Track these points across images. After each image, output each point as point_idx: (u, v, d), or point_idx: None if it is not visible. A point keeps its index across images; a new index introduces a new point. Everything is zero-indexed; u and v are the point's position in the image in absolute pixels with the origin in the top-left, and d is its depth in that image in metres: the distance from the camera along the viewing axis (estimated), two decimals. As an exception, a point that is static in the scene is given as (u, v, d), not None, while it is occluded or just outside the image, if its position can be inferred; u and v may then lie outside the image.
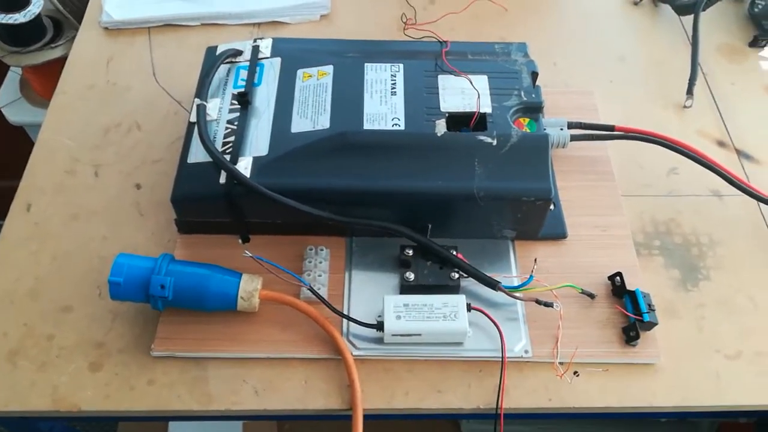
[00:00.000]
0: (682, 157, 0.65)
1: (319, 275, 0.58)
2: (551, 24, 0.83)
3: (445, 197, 0.55)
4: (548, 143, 0.56)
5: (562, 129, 0.64)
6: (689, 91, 0.73)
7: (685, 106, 0.73)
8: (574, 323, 0.57)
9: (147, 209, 0.64)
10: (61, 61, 0.85)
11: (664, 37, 0.82)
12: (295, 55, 0.63)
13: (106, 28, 0.79)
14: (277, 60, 0.62)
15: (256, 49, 0.63)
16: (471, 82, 0.58)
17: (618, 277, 0.58)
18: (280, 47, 0.63)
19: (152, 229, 0.62)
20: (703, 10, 0.76)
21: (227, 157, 0.56)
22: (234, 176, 0.54)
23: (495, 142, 0.55)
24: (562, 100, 0.71)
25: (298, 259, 0.59)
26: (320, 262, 0.58)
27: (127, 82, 0.74)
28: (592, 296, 0.58)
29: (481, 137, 0.55)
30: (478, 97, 0.57)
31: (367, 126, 0.56)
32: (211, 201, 0.56)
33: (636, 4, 0.84)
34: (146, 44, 0.78)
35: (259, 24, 0.80)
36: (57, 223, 0.63)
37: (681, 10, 0.79)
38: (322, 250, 0.59)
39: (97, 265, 0.60)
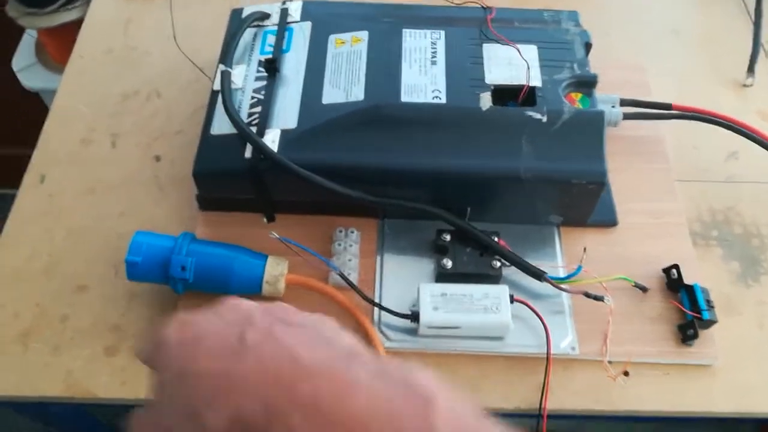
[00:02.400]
0: (743, 140, 0.60)
1: (349, 259, 0.54)
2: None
3: (489, 178, 0.51)
4: (603, 121, 0.51)
5: (614, 106, 0.59)
6: (750, 69, 0.67)
7: (745, 85, 0.67)
8: (624, 318, 0.52)
9: (167, 183, 0.60)
10: (77, 24, 0.81)
11: (722, 9, 0.76)
12: (327, 19, 0.58)
13: (125, -11, 0.75)
14: (308, 24, 0.58)
15: (284, 12, 0.58)
16: (519, 52, 0.53)
17: (674, 270, 0.53)
18: (310, 10, 0.59)
19: (172, 205, 0.59)
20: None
21: (253, 129, 0.51)
22: (261, 150, 0.50)
23: (545, 119, 0.50)
24: (612, 74, 0.64)
25: (326, 241, 0.55)
26: (350, 246, 0.54)
27: (147, 46, 0.70)
28: (644, 290, 0.53)
29: (531, 113, 0.51)
30: (528, 68, 0.52)
31: (404, 98, 0.51)
32: (235, 176, 0.52)
33: (693, -28, 0.78)
34: (167, 6, 0.73)
35: (286, -14, 0.75)
36: (72, 197, 0.59)
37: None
38: (352, 232, 0.55)
39: (113, 242, 0.57)
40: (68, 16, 0.92)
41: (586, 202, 0.54)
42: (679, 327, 0.52)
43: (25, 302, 0.54)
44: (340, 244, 0.54)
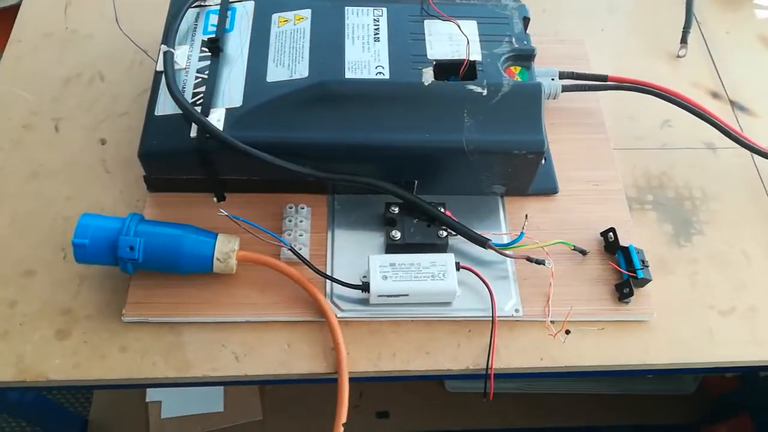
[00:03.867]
0: (676, 109, 0.63)
1: (300, 235, 0.55)
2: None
3: (433, 151, 0.52)
4: (541, 93, 0.53)
5: (553, 79, 0.61)
6: (683, 40, 0.70)
7: (678, 56, 0.70)
8: (565, 281, 0.55)
9: (113, 166, 0.60)
10: (15, 9, 0.79)
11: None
12: (270, -2, 0.58)
13: (63, -29, 0.73)
14: (250, 3, 0.58)
15: (227, -8, 0.58)
16: (459, 28, 0.55)
17: (611, 233, 0.56)
18: (252, -10, 0.59)
19: (120, 188, 0.58)
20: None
21: (198, 109, 0.51)
22: (206, 129, 0.50)
23: (485, 92, 0.52)
24: (552, 49, 0.67)
25: (277, 218, 0.56)
26: (301, 221, 0.55)
27: (88, 29, 0.69)
28: (584, 253, 0.56)
29: (471, 87, 0.52)
30: (468, 43, 0.54)
31: (348, 75, 0.52)
32: (181, 156, 0.52)
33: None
34: (107, -13, 0.72)
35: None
36: (15, 182, 0.59)
37: (676, -46, 0.76)
38: (302, 208, 0.56)
39: (60, 226, 0.56)
40: (5, 1, 0.89)
41: (527, 172, 0.56)
42: (616, 286, 0.55)
43: (-29, 289, 0.53)
44: (290, 221, 0.55)
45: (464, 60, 0.53)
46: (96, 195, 0.58)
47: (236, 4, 0.58)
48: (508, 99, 0.52)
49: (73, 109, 0.63)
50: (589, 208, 0.59)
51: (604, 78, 0.62)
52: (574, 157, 0.62)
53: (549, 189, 0.59)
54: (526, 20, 0.57)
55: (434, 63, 0.53)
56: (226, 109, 0.52)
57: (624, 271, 0.54)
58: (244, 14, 0.57)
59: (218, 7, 0.58)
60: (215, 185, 0.56)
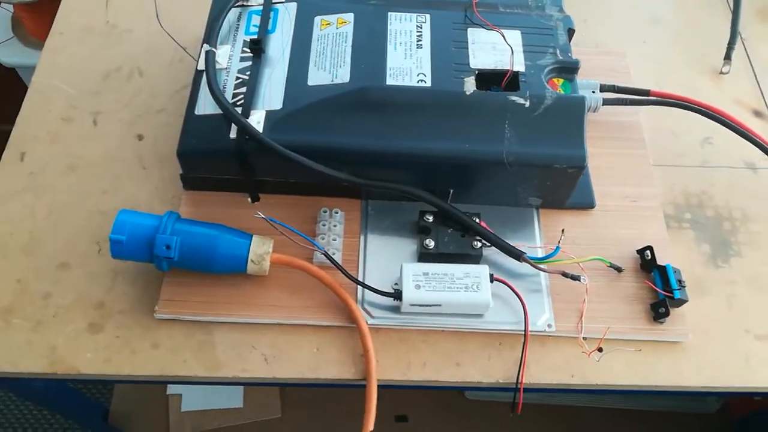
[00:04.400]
0: (718, 126, 0.61)
1: (334, 239, 0.54)
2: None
3: (472, 161, 0.52)
4: (584, 107, 0.52)
5: (594, 92, 0.60)
6: (727, 56, 0.69)
7: (721, 72, 0.69)
8: (600, 297, 0.54)
9: (150, 162, 0.60)
10: (56, 1, 0.79)
11: (700, -2, 0.77)
12: (312, 0, 0.58)
13: (106, -35, 0.74)
14: (293, 5, 0.58)
15: (269, -8, 0.58)
16: (504, 37, 0.54)
17: (648, 251, 0.55)
18: (295, -9, 0.59)
19: (155, 184, 0.59)
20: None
21: (238, 110, 0.51)
22: (246, 131, 0.50)
23: (528, 104, 0.51)
24: (593, 60, 0.66)
25: (310, 222, 0.56)
26: (335, 226, 0.55)
27: (128, 24, 0.69)
28: (619, 270, 0.55)
29: (514, 98, 0.51)
30: (512, 54, 0.53)
31: (390, 81, 0.52)
32: (220, 156, 0.52)
33: (673, -41, 0.79)
34: (149, -17, 0.72)
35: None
36: (53, 175, 0.59)
37: (724, -32, 0.74)
38: (336, 212, 0.56)
39: (96, 220, 0.57)
40: (46, -9, 0.89)
41: (565, 186, 0.55)
42: (652, 306, 0.54)
43: (5, 279, 0.54)
44: (324, 224, 0.55)
45: (507, 70, 0.53)
46: (132, 190, 0.58)
47: (279, 5, 0.58)
48: (550, 112, 0.52)
49: (111, 104, 0.63)
50: (626, 224, 0.58)
51: (646, 92, 0.61)
52: (612, 172, 0.61)
53: (585, 203, 0.58)
54: (570, 32, 0.57)
55: (476, 72, 0.53)
56: (266, 111, 0.52)
57: (660, 290, 0.53)
58: (286, 16, 0.57)
59: (261, 8, 0.58)
60: (251, 186, 0.56)
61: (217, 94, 0.51)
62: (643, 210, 0.59)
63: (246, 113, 0.51)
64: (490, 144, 0.51)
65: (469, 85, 0.52)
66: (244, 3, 0.58)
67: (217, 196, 0.57)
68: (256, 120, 0.51)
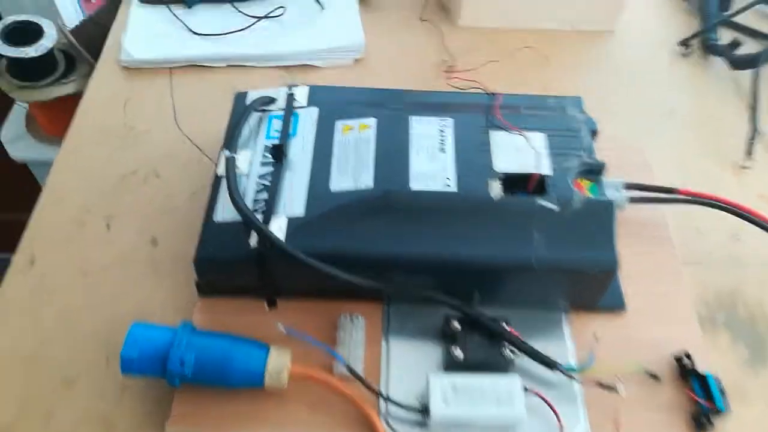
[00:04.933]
0: (744, 222, 0.60)
1: (355, 347, 0.52)
2: (595, 75, 0.80)
3: (499, 267, 0.50)
4: (614, 210, 0.51)
5: (618, 190, 0.59)
6: (749, 152, 0.68)
7: (743, 167, 0.69)
8: (636, 407, 0.51)
9: (163, 267, 0.58)
10: (72, 98, 0.80)
11: (715, 90, 0.78)
12: (334, 105, 0.58)
13: (125, 67, 0.75)
14: (314, 110, 0.57)
15: (291, 97, 0.58)
16: (527, 140, 0.53)
17: (686, 358, 0.52)
18: (317, 96, 0.59)
19: (168, 290, 0.57)
20: (763, 64, 0.72)
21: (259, 217, 0.50)
22: (268, 239, 0.48)
23: (557, 208, 0.50)
24: (612, 156, 0.65)
25: (330, 328, 0.53)
26: (356, 333, 0.53)
27: (146, 125, 0.69)
28: (657, 378, 0.52)
29: (542, 202, 0.50)
30: (538, 157, 0.52)
31: (414, 186, 0.51)
32: (239, 265, 0.50)
33: (685, 55, 0.81)
34: (167, 85, 0.73)
35: (288, 67, 0.75)
36: (63, 280, 0.57)
37: (738, 64, 0.75)
38: (357, 318, 0.53)
39: (105, 329, 0.54)
40: (63, 90, 0.91)
41: (596, 290, 0.53)
42: (693, 416, 0.51)
43: (5, 395, 0.50)
44: (344, 332, 0.53)
45: (533, 174, 0.52)
46: (144, 297, 0.56)
47: (300, 110, 0.58)
48: (579, 215, 0.50)
49: (125, 207, 0.62)
50: (659, 326, 0.56)
51: (673, 191, 0.60)
52: (640, 272, 0.59)
53: (615, 305, 0.56)
54: (593, 133, 0.56)
55: (502, 176, 0.52)
56: (288, 217, 0.50)
57: (702, 401, 0.50)
58: (308, 120, 0.57)
59: (282, 113, 0.58)
60: (269, 291, 0.54)
61: (237, 201, 0.49)
62: (676, 311, 0.57)
63: (267, 220, 0.50)
64: (518, 249, 0.50)
65: (496, 189, 0.51)
66: (265, 108, 0.58)
67: (232, 303, 0.55)
68: (278, 227, 0.50)
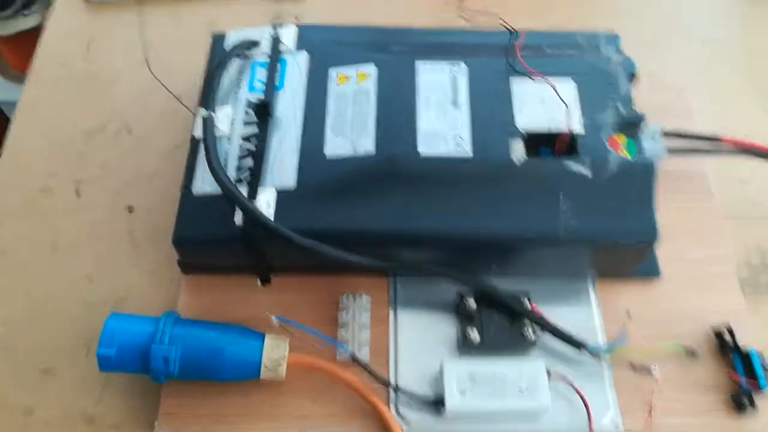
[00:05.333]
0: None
1: (360, 331, 0.46)
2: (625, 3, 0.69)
3: (522, 242, 0.44)
4: (655, 174, 0.44)
5: (656, 140, 0.52)
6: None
7: (791, 106, 0.61)
8: (670, 386, 0.46)
9: (142, 239, 0.52)
10: (36, 31, 0.71)
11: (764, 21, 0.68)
12: (326, 48, 0.49)
13: (88, 1, 0.65)
14: (304, 55, 0.49)
15: (276, 40, 0.50)
16: (556, 91, 0.45)
17: (727, 333, 0.47)
18: (307, 37, 0.50)
19: (150, 266, 0.51)
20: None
21: (245, 190, 0.43)
22: (255, 218, 0.42)
23: (589, 173, 0.43)
24: (649, 97, 0.57)
25: (332, 307, 0.48)
26: (360, 314, 0.47)
27: (114, 71, 0.61)
28: (694, 355, 0.47)
29: (573, 166, 0.43)
30: (567, 110, 0.45)
31: (422, 150, 0.44)
32: (224, 244, 0.44)
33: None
34: (136, 22, 0.63)
35: (275, -5, 0.65)
36: (32, 258, 0.51)
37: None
38: (360, 296, 0.48)
39: (82, 314, 0.49)
40: (24, 23, 0.81)
41: (630, 261, 0.47)
42: (733, 396, 0.46)
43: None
44: (347, 313, 0.47)
45: (562, 132, 0.44)
46: (122, 274, 0.50)
47: (287, 56, 0.49)
48: (614, 180, 0.43)
49: (96, 169, 0.55)
50: (696, 294, 0.50)
51: (716, 139, 0.53)
52: (676, 231, 0.52)
53: (649, 272, 0.50)
54: (631, 77, 0.48)
55: (525, 135, 0.44)
56: (278, 190, 0.43)
57: (744, 381, 0.45)
58: (296, 68, 0.48)
59: (266, 59, 0.49)
60: (261, 268, 0.48)
61: (219, 174, 0.42)
62: (715, 276, 0.51)
63: (253, 193, 0.43)
64: (544, 221, 0.43)
65: (518, 151, 0.44)
66: (246, 53, 0.50)
67: (222, 280, 0.49)
68: (266, 201, 0.43)
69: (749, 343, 0.47)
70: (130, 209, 0.53)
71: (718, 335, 0.48)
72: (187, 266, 0.48)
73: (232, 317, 0.46)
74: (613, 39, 0.50)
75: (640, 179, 0.44)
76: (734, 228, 0.54)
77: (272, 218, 0.42)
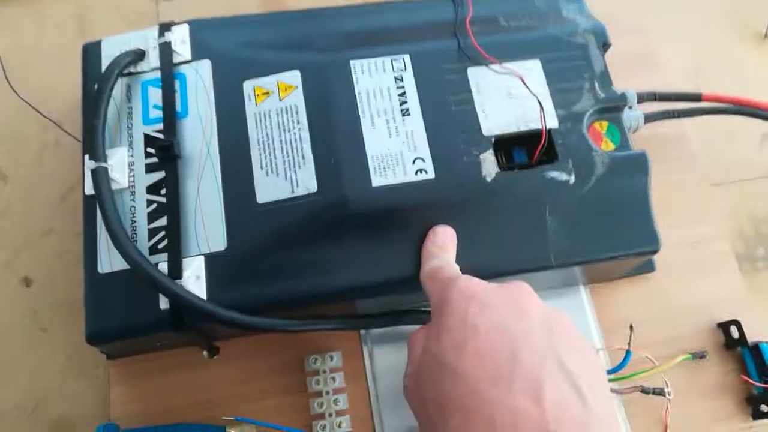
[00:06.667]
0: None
1: (335, 400, 0.39)
2: None
3: (510, 275, 0.37)
4: (649, 168, 0.37)
5: (631, 107, 0.45)
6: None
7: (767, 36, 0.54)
8: (681, 396, 0.42)
9: (49, 319, 0.43)
10: None
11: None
12: (234, 52, 0.39)
13: None
14: (206, 65, 0.38)
15: (166, 48, 0.38)
16: (525, 83, 0.37)
17: (733, 327, 0.43)
18: (204, 39, 0.39)
19: (65, 352, 0.42)
20: None
21: (164, 263, 0.34)
22: (183, 302, 0.33)
23: (573, 179, 0.36)
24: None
25: (296, 370, 0.41)
26: (332, 378, 0.40)
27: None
28: (703, 356, 0.43)
29: (553, 174, 0.36)
30: (541, 108, 0.37)
31: (375, 179, 0.35)
32: (150, 333, 0.35)
33: None
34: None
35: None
36: None
37: None
38: (330, 357, 0.40)
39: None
40: None
41: (627, 269, 0.41)
42: (748, 400, 0.42)
43: None
44: (318, 382, 0.40)
45: (537, 131, 0.37)
46: (33, 370, 0.41)
47: (185, 68, 0.39)
48: (602, 183, 0.37)
49: (-28, 235, 0.44)
50: (694, 282, 0.45)
51: (697, 97, 0.46)
52: (664, 210, 0.45)
53: (643, 269, 0.45)
54: (605, 47, 0.40)
55: (493, 140, 0.37)
56: (205, 255, 0.35)
57: (758, 383, 0.41)
58: (199, 85, 0.38)
59: (158, 75, 0.38)
60: (202, 344, 0.39)
61: (128, 252, 0.33)
62: (710, 258, 0.46)
63: (176, 267, 0.34)
64: (531, 247, 0.36)
65: (489, 165, 0.36)
66: (132, 70, 0.39)
67: (160, 358, 0.40)
68: (195, 275, 0.34)
69: (755, 328, 0.43)
70: (27, 282, 0.43)
71: (724, 329, 0.44)
72: (111, 355, 0.39)
73: (181, 405, 0.39)
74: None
75: (631, 178, 0.37)
76: (723, 196, 0.49)
77: (205, 295, 0.34)
